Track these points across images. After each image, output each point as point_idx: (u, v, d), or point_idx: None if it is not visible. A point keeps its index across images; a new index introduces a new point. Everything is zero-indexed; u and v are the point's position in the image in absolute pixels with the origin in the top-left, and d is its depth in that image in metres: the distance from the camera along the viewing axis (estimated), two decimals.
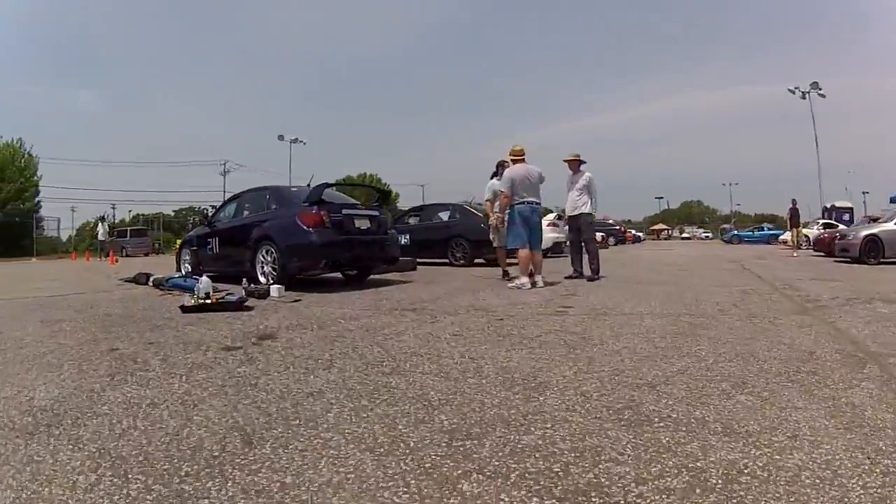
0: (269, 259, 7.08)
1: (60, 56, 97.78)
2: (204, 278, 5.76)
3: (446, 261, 11.65)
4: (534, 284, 6.88)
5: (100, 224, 23.33)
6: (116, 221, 42.93)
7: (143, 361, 3.30)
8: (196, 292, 5.58)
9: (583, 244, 8.19)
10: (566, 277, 7.81)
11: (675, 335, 3.63)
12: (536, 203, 7.22)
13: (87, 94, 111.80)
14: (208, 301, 5.27)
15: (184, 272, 8.77)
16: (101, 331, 4.36)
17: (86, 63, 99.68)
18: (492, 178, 8.46)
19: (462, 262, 11.37)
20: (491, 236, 8.44)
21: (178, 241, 10.52)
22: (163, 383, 2.83)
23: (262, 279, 6.99)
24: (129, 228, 34.34)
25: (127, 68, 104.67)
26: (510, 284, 7.07)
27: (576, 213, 8.08)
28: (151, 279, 7.87)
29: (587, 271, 7.94)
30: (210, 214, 9.17)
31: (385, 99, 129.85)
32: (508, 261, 8.32)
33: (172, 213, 43.06)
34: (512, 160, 7.39)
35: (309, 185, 7.88)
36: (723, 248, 25.85)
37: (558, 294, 6.18)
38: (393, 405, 2.39)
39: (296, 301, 5.91)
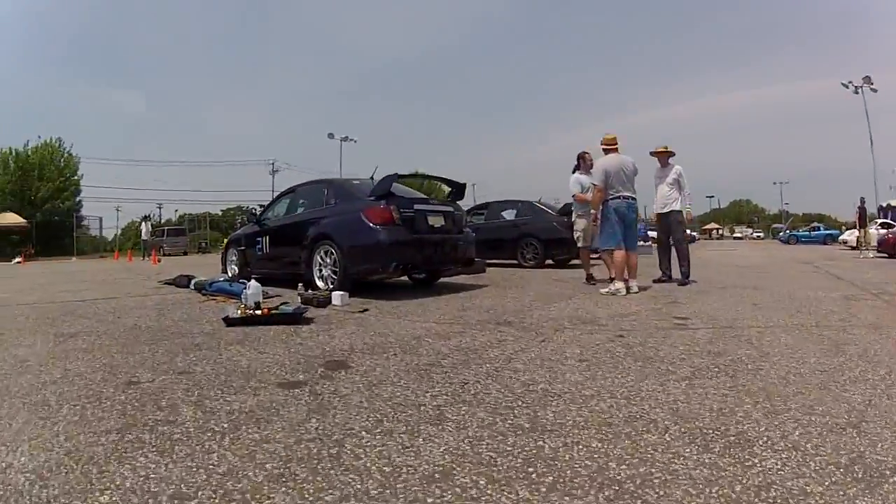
0: (328, 261, 6.21)
1: (106, 59, 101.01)
2: (253, 283, 4.81)
3: (513, 262, 10.83)
4: (628, 290, 6.02)
5: (143, 223, 22.87)
6: (162, 221, 43.31)
7: (169, 406, 2.32)
8: (243, 300, 4.66)
9: (672, 244, 7.35)
10: (655, 281, 7.08)
11: (823, 354, 3.11)
12: (632, 198, 6.33)
13: (130, 96, 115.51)
14: (258, 312, 4.31)
15: (230, 274, 8.00)
16: (123, 351, 3.44)
17: (130, 66, 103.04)
18: (574, 171, 7.44)
19: (532, 263, 10.51)
20: (576, 235, 7.35)
21: (225, 241, 9.77)
22: (195, 450, 1.85)
23: (319, 283, 6.16)
24: (166, 228, 34.54)
25: (171, 70, 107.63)
26: (603, 290, 6.13)
27: (665, 210, 7.25)
28: (193, 282, 7.04)
29: (676, 274, 7.17)
30: (260, 211, 8.29)
31: (434, 97, 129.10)
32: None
33: (220, 213, 42.68)
34: (603, 150, 6.45)
35: (372, 179, 6.90)
36: (782, 249, 24.31)
37: (660, 301, 5.42)
38: (568, 494, 1.50)
39: (363, 311, 4.92)
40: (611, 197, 6.22)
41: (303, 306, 4.78)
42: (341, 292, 5.38)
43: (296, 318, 4.24)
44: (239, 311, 4.35)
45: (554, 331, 3.89)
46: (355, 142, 41.68)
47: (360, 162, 72.22)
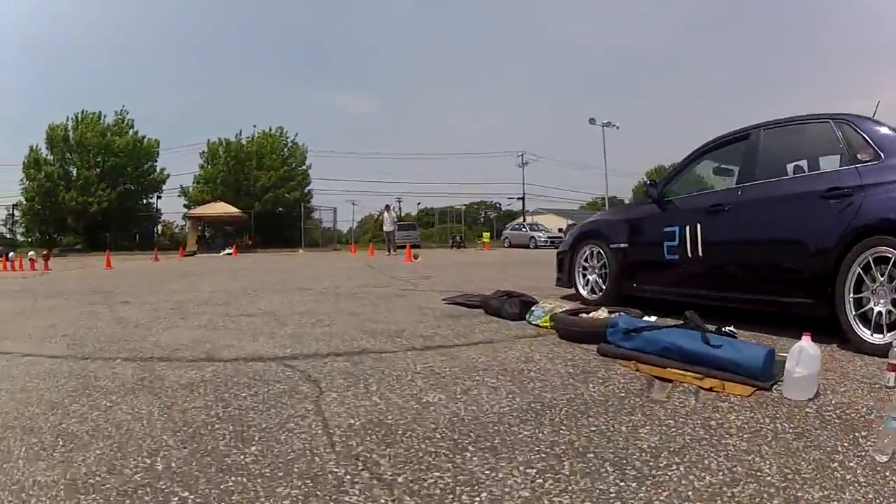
0: None
1: (336, 63, 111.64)
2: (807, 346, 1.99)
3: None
4: None
5: (386, 212, 21.01)
6: (402, 214, 43.78)
7: None
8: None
9: None
10: None
11: None
12: None
13: (362, 98, 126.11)
14: None
15: (584, 291, 5.27)
16: None
17: (359, 69, 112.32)
18: None
19: None
20: None
21: (570, 234, 6.73)
22: None
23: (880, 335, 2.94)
24: (398, 223, 33.94)
25: (401, 72, 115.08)
26: None
27: None
28: (536, 312, 4.02)
29: None
30: (663, 180, 4.90)
31: (673, 86, 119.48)
32: None
33: (463, 207, 43.04)
34: None
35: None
36: None
37: None
38: None
39: None
40: None
41: None
42: None
43: None
44: None
45: None
46: (617, 128, 40.13)
47: (619, 153, 67.52)
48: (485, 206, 41.43)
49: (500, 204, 51.32)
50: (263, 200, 35.01)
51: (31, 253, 16.49)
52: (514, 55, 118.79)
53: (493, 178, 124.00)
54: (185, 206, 36.56)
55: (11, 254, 16.83)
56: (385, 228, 21.11)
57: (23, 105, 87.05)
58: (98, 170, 34.14)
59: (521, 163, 48.22)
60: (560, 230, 32.59)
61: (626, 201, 27.76)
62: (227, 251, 25.29)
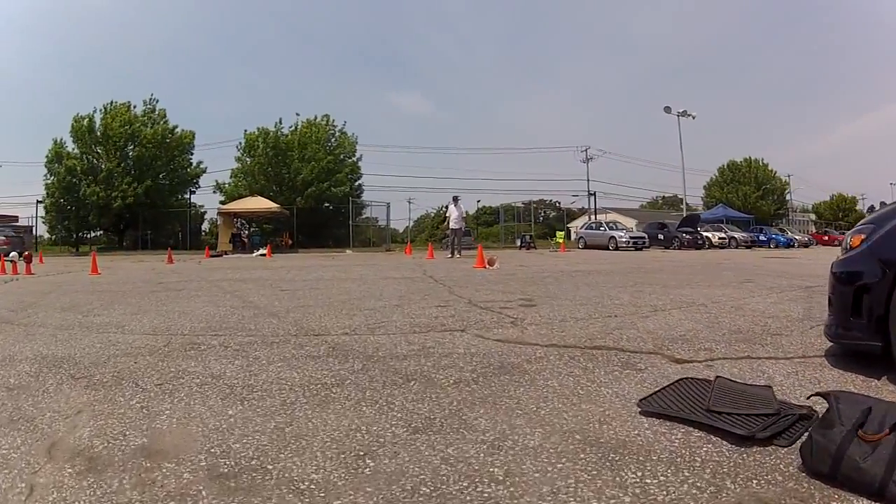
0: None
1: (389, 63, 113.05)
2: None
3: None
4: None
5: (453, 205, 18.47)
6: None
7: None
8: None
9: None
10: None
11: None
12: None
13: (416, 97, 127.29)
14: None
15: None
16: None
17: (413, 69, 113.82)
18: None
19: None
20: None
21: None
22: None
23: None
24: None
25: (455, 71, 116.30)
26: None
27: None
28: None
29: None
30: None
31: (726, 82, 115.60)
32: None
33: (521, 205, 40.97)
34: None
35: None
36: None
37: None
38: None
39: None
40: None
41: None
42: None
43: None
44: None
45: None
46: (693, 118, 40.73)
47: (698, 141, 64.88)
48: (543, 204, 39.70)
49: (559, 202, 51.18)
50: (306, 195, 33.40)
51: (13, 254, 14.95)
52: (570, 51, 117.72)
53: (551, 176, 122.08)
54: (220, 202, 35.23)
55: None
56: (451, 225, 18.90)
57: (65, 106, 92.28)
58: (123, 162, 33.30)
59: (584, 158, 47.69)
60: (661, 226, 30.32)
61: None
62: (261, 252, 23.94)
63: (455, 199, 19.32)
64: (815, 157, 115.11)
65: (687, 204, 45.62)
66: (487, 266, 11.81)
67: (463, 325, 4.68)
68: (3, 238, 24.95)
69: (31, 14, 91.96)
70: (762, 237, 31.81)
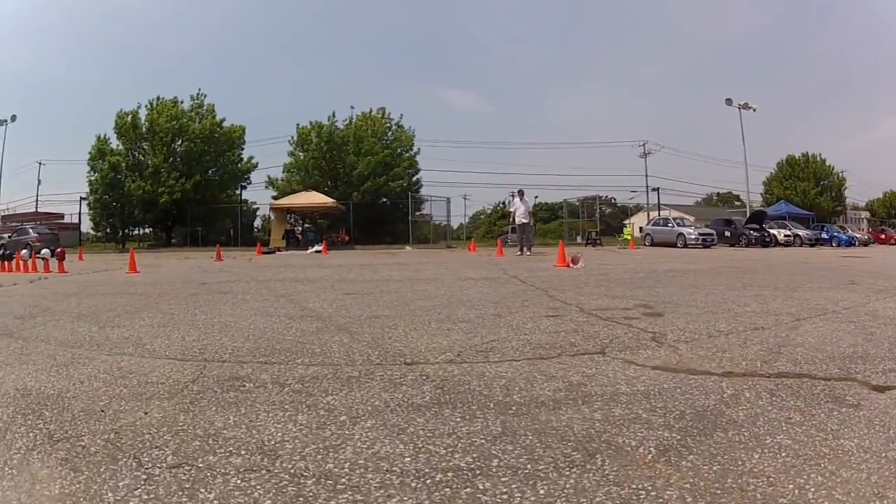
0: None
1: (441, 61, 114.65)
2: None
3: None
4: None
5: (518, 199, 17.57)
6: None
7: None
8: None
9: None
10: None
11: None
12: None
13: (469, 95, 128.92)
14: None
15: None
16: None
17: (465, 66, 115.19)
18: None
19: None
20: None
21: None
22: None
23: None
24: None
25: (506, 68, 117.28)
26: None
27: None
28: None
29: None
30: None
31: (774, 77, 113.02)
32: None
33: (577, 201, 40.17)
34: None
35: None
36: None
37: None
38: None
39: None
40: None
41: None
42: None
43: None
44: None
45: None
46: (754, 110, 41.00)
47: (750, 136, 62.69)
48: (599, 200, 40.05)
49: (614, 199, 51.17)
50: (362, 190, 32.98)
51: (44, 251, 14.57)
52: (618, 44, 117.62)
53: (603, 171, 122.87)
54: (272, 197, 35.12)
55: (25, 252, 15.00)
56: (518, 220, 17.86)
57: (104, 106, 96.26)
58: (171, 158, 33.35)
59: (643, 153, 47.45)
60: (728, 223, 30.32)
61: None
62: (316, 248, 23.66)
63: (520, 193, 18.46)
64: (861, 151, 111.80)
65: (744, 201, 45.14)
66: (571, 265, 10.70)
67: (597, 344, 3.64)
68: (36, 235, 25.15)
69: (71, 17, 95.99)
70: (824, 235, 31.06)
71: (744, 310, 5.04)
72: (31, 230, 26.58)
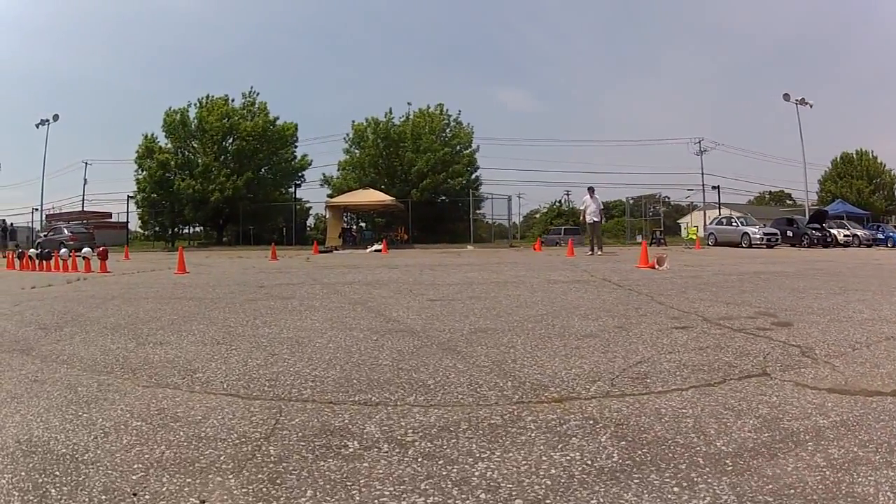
0: None
1: (492, 60, 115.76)
2: None
3: None
4: None
5: (589, 197, 17.06)
6: (570, 207, 42.49)
7: None
8: None
9: None
10: None
11: None
12: None
13: (520, 94, 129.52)
14: None
15: None
16: None
17: (516, 65, 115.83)
18: None
19: None
20: None
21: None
22: None
23: None
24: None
25: (557, 66, 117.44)
26: None
27: None
28: None
29: None
30: None
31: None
32: None
33: (631, 200, 39.66)
34: None
35: None
36: None
37: None
38: None
39: None
40: None
41: None
42: None
43: None
44: None
45: None
46: (811, 106, 40.83)
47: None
48: (652, 199, 39.93)
49: (668, 197, 51.09)
50: (421, 187, 32.54)
51: (85, 250, 14.32)
52: (666, 41, 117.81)
53: (656, 169, 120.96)
54: (328, 195, 35.14)
55: (63, 251, 14.85)
56: (589, 219, 17.39)
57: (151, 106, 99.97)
58: (222, 156, 33.57)
59: (698, 150, 47.14)
60: (790, 222, 30.25)
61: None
62: (376, 247, 23.44)
63: (591, 190, 17.77)
64: None
65: (795, 199, 44.26)
66: (656, 266, 10.10)
67: (754, 363, 3.16)
68: (70, 234, 25.43)
69: (119, 20, 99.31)
70: (880, 235, 30.39)
71: (862, 317, 4.77)
72: (65, 229, 27.06)
